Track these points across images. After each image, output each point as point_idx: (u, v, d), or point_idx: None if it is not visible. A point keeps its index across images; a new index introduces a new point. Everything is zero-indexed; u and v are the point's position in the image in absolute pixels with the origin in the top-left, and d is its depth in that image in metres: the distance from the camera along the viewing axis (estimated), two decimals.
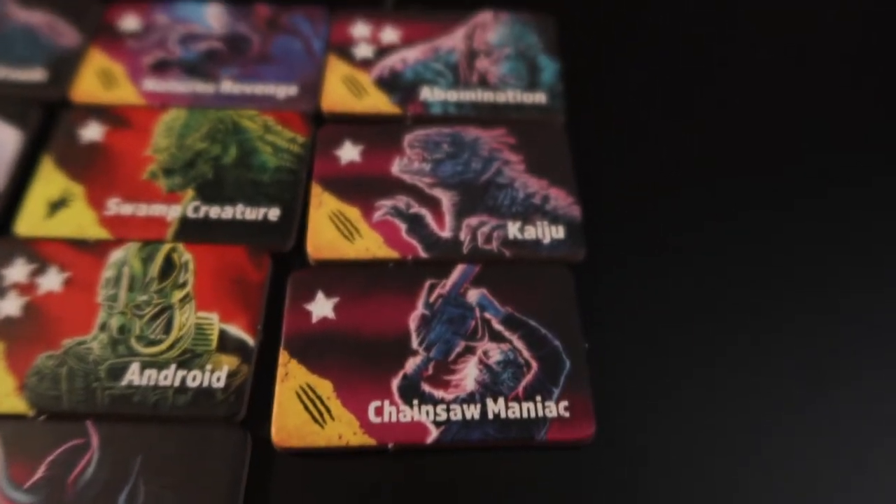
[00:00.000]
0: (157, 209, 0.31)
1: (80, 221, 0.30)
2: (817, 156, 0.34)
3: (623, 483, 0.26)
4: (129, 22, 0.37)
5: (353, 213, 0.30)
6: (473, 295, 0.29)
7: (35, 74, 0.35)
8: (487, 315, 0.28)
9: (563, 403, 0.26)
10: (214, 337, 0.28)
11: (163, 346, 0.27)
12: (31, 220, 0.30)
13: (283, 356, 0.27)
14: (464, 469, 0.26)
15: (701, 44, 0.38)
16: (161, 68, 0.35)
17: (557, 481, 0.26)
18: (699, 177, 0.33)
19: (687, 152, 0.34)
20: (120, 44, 0.36)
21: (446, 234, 0.30)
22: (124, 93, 0.34)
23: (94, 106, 0.34)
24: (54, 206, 0.31)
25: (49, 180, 0.31)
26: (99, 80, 0.34)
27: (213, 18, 0.37)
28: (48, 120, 0.34)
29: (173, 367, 0.27)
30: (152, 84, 0.34)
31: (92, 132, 0.33)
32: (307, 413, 0.26)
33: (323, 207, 0.31)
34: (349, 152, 0.32)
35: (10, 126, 0.33)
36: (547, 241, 0.30)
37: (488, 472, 0.26)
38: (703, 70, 0.37)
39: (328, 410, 0.26)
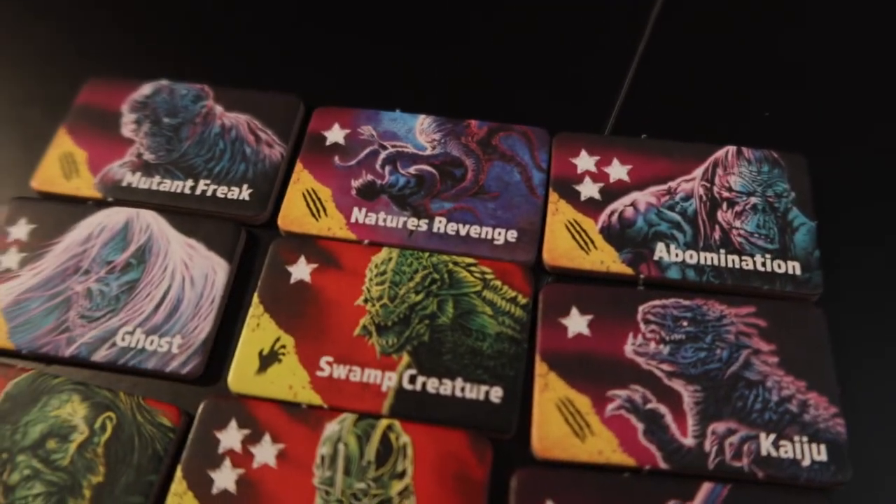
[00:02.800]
0: (372, 375, 0.29)
1: (291, 381, 0.29)
2: None
3: None
4: (334, 133, 0.34)
5: (583, 403, 0.28)
6: None
7: (240, 193, 0.33)
8: None
9: None
10: None
11: None
12: (242, 374, 0.29)
13: None
14: None
15: None
16: (368, 195, 0.33)
17: None
18: None
19: None
20: (325, 161, 0.34)
21: (689, 441, 0.27)
22: (332, 223, 0.32)
23: (301, 237, 0.32)
24: (266, 360, 0.29)
25: (259, 326, 0.30)
26: (306, 204, 0.33)
27: (423, 135, 0.34)
28: (252, 245, 0.33)
29: None
30: (360, 215, 0.32)
31: (300, 271, 0.31)
32: None
33: (549, 392, 0.28)
34: (577, 323, 0.29)
35: (219, 256, 0.32)
36: (806, 462, 0.26)
37: None
38: None
39: None
